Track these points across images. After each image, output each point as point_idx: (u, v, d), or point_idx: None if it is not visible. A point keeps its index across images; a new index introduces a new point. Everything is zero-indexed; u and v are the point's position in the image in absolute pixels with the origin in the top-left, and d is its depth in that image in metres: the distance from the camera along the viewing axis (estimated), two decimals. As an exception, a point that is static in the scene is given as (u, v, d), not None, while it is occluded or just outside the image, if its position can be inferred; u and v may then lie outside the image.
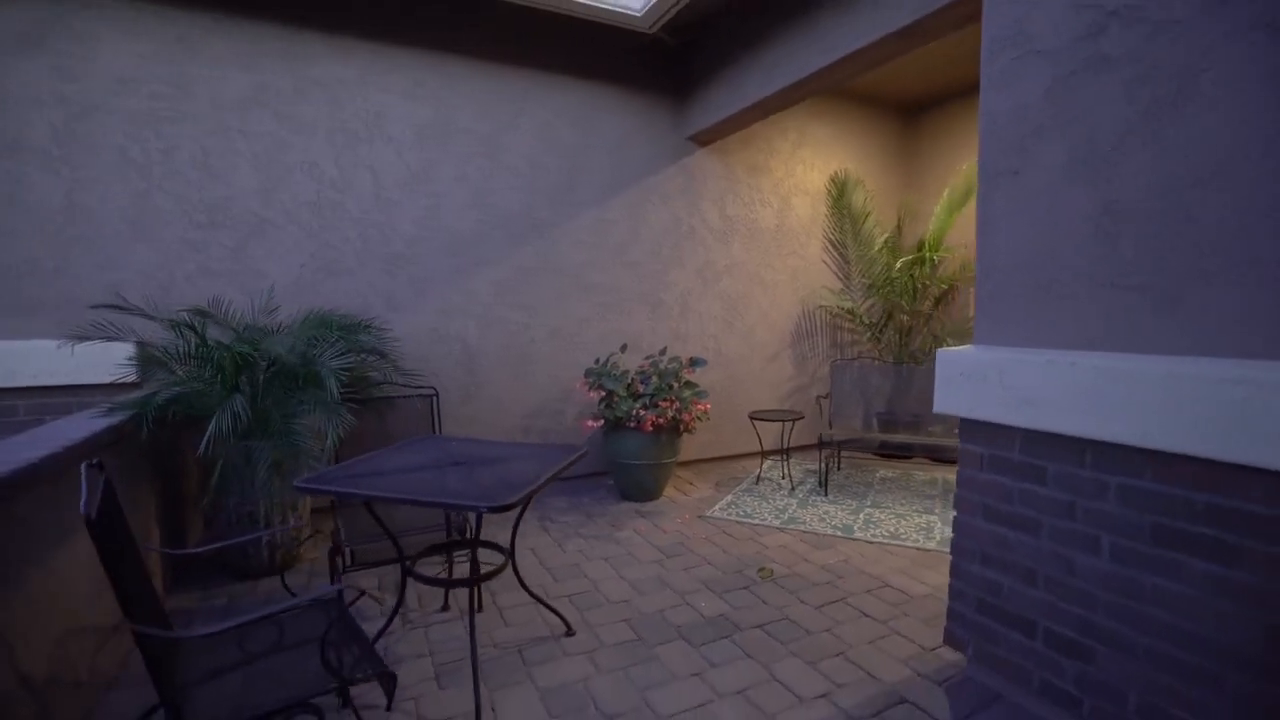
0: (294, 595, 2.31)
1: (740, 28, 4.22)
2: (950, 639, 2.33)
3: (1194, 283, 1.67)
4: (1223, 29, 1.61)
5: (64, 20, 3.32)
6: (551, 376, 4.76)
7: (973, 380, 2.18)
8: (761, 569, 3.30)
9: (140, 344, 3.27)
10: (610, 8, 4.09)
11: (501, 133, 4.45)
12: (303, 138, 3.91)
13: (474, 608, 2.28)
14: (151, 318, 3.09)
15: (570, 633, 2.67)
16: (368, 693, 2.17)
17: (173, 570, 3.12)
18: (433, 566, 3.14)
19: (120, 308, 3.05)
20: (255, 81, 3.75)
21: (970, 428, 2.24)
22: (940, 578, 3.16)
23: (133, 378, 3.19)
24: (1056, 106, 1.97)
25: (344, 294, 4.02)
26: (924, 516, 4.09)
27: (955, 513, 2.31)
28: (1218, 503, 1.61)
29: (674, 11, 4.10)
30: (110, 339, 3.00)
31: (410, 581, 2.56)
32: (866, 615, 2.81)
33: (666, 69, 4.95)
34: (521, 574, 2.82)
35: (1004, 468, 2.13)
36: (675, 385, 4.36)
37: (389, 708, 1.96)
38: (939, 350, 2.32)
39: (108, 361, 3.20)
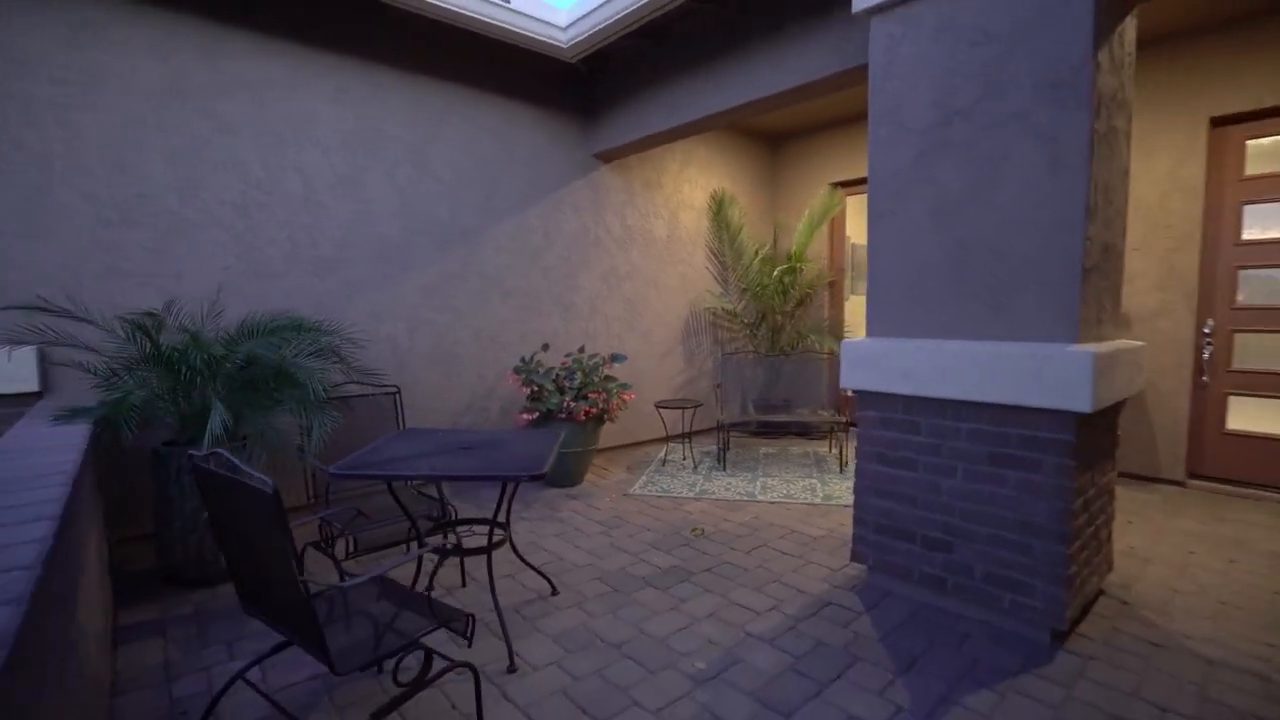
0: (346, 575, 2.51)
1: (650, 66, 4.84)
2: (856, 556, 3.14)
3: (1011, 295, 2.57)
4: (1018, 132, 2.51)
5: (-43, -2, 3.05)
6: (478, 375, 5.03)
7: (868, 362, 3.00)
8: (694, 529, 3.95)
9: (83, 348, 3.11)
10: (538, 36, 4.50)
11: (427, 142, 4.65)
12: (226, 135, 3.84)
13: (491, 570, 2.66)
14: (90, 321, 2.99)
15: (555, 592, 3.10)
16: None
17: (121, 586, 3.04)
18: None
19: (46, 309, 2.91)
20: (172, 73, 3.62)
21: (866, 397, 3.05)
22: (831, 523, 4.04)
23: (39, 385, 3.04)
24: (920, 170, 2.82)
25: (272, 297, 4.00)
26: (807, 480, 5.01)
27: (856, 460, 3.12)
28: (1025, 434, 2.51)
29: (598, 46, 4.62)
30: (49, 343, 2.86)
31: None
32: (785, 554, 3.56)
33: (576, 92, 5.44)
34: (492, 552, 3.20)
35: (891, 424, 2.96)
36: (598, 379, 4.88)
37: (470, 645, 2.23)
38: (844, 342, 3.12)
39: (22, 368, 3.02)
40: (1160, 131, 4.57)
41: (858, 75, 3.56)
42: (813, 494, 4.65)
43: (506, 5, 4.20)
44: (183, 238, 3.72)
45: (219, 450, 1.66)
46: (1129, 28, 2.75)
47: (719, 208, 6.81)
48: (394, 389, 3.66)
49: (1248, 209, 4.45)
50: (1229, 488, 4.49)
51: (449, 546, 2.79)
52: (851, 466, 5.31)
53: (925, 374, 2.77)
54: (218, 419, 2.55)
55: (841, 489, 4.72)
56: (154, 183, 3.62)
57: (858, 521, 3.12)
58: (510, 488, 2.83)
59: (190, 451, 1.75)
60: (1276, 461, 4.36)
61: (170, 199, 3.68)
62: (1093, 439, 2.58)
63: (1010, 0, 2.51)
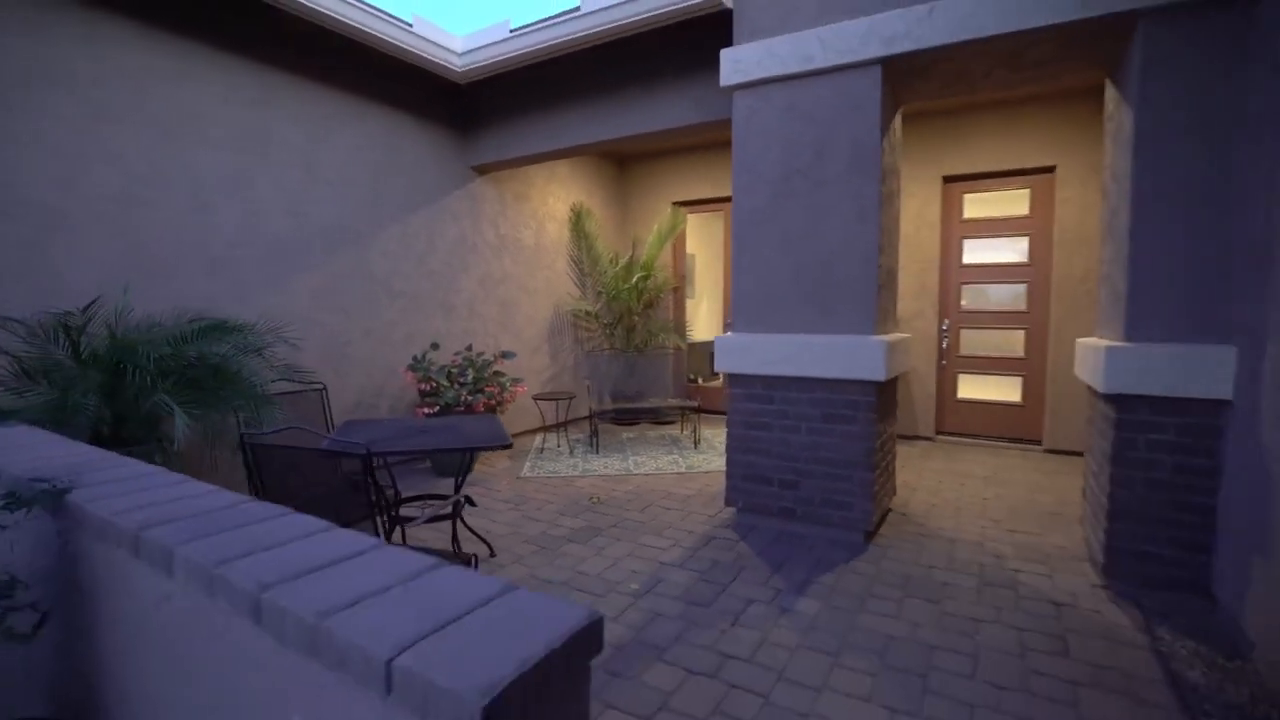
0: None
1: (537, 94, 5.41)
2: (729, 500, 4.08)
3: (835, 303, 3.66)
4: (838, 191, 3.61)
5: None
6: (366, 374, 5.20)
7: (734, 352, 3.94)
8: (592, 498, 4.64)
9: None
10: (435, 59, 4.86)
11: (317, 147, 4.76)
12: (108, 125, 3.71)
13: (455, 527, 3.13)
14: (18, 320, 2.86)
15: (494, 554, 3.61)
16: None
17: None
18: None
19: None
20: (44, 56, 3.45)
21: (734, 378, 4.00)
22: (699, 484, 4.98)
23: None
24: (772, 210, 3.83)
25: (161, 297, 3.90)
26: (669, 456, 5.94)
27: (727, 427, 4.05)
28: (845, 398, 3.61)
29: (491, 74, 5.09)
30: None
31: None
32: (670, 509, 4.41)
33: (456, 108, 5.81)
34: (456, 519, 3.63)
35: (752, 398, 3.93)
36: (488, 374, 5.34)
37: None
38: (717, 337, 4.04)
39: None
40: (913, 183, 6.24)
41: (716, 126, 4.53)
42: (677, 466, 5.58)
43: (410, 29, 4.52)
44: (62, 233, 3.54)
45: (297, 427, 2.03)
46: (898, 120, 4.01)
47: (578, 219, 7.55)
48: (320, 385, 3.85)
49: (966, 242, 6.27)
50: (961, 439, 6.29)
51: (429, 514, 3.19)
52: (704, 443, 6.35)
53: (777, 359, 3.77)
54: (181, 419, 2.70)
55: (699, 460, 5.72)
56: (28, 173, 3.42)
57: (729, 474, 4.07)
58: (468, 458, 3.30)
59: (247, 432, 2.05)
60: (988, 418, 6.22)
61: (47, 192, 3.49)
62: (884, 401, 3.78)
63: (831, 97, 3.60)
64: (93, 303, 3.14)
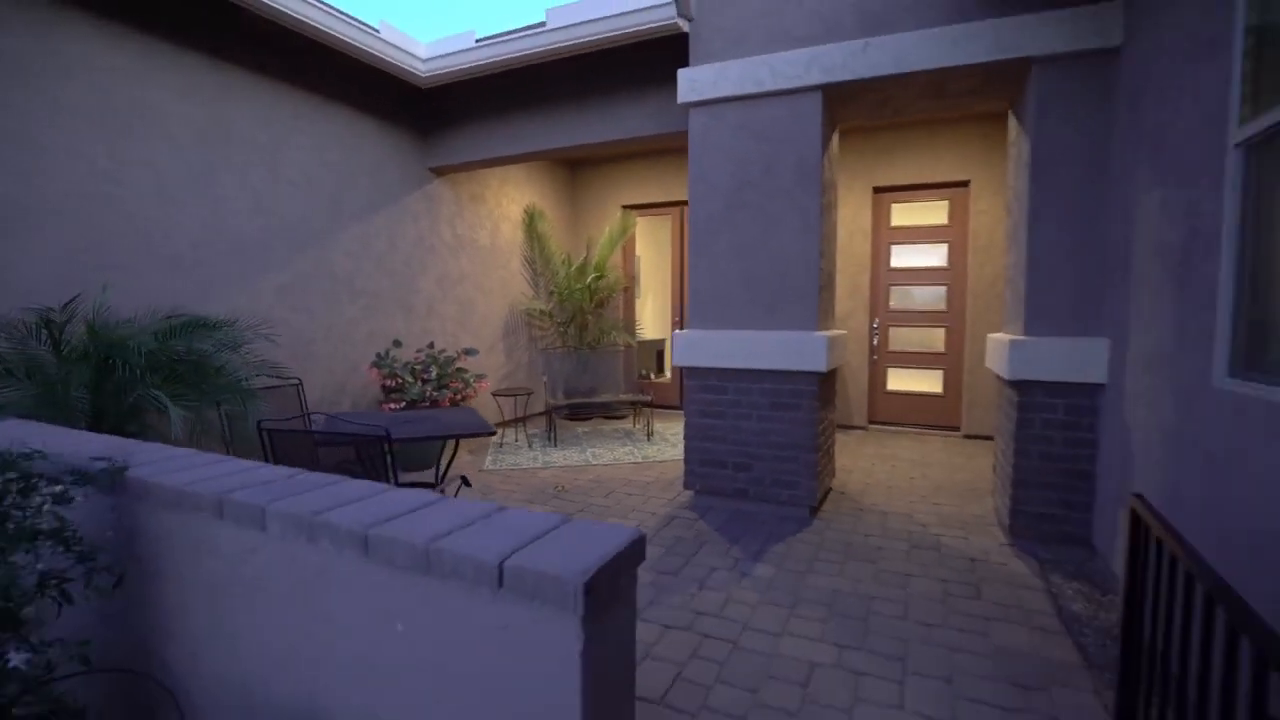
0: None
1: (499, 100, 5.60)
2: (687, 484, 4.43)
3: (782, 303, 4.07)
4: (784, 203, 4.01)
5: None
6: (329, 371, 5.27)
7: (692, 346, 4.29)
8: (557, 487, 4.90)
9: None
10: (400, 64, 4.99)
11: (279, 146, 4.81)
12: (68, 119, 3.70)
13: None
14: None
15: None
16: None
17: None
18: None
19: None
20: (1, 49, 3.43)
21: (691, 371, 4.35)
22: (655, 473, 5.31)
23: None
24: (725, 219, 4.20)
25: (122, 293, 3.88)
26: (625, 448, 6.25)
27: (685, 415, 4.40)
28: (792, 388, 4.02)
29: (455, 80, 5.25)
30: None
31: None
32: (632, 494, 4.72)
33: (416, 110, 5.92)
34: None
35: (708, 389, 4.30)
36: (451, 371, 5.51)
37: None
38: (676, 333, 4.38)
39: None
40: (847, 193, 6.78)
41: (671, 137, 4.88)
42: (634, 456, 5.90)
43: (376, 34, 4.65)
44: (20, 228, 3.51)
45: (338, 415, 2.22)
46: (836, 138, 4.47)
47: (531, 221, 7.75)
48: (296, 380, 3.94)
49: (893, 247, 6.87)
50: (890, 427, 6.89)
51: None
52: (656, 435, 6.70)
53: (730, 353, 4.15)
54: (175, 412, 2.80)
55: (653, 450, 6.06)
56: (-18, 168, 3.38)
57: (687, 459, 4.42)
58: (454, 447, 3.51)
59: (265, 420, 2.22)
60: (913, 408, 6.85)
61: (7, 185, 3.46)
62: (825, 390, 4.22)
63: (778, 119, 4.00)
64: (73, 300, 3.16)
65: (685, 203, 7.95)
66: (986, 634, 2.63)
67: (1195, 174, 2.34)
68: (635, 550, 1.17)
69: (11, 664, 1.32)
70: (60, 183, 3.66)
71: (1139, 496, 1.67)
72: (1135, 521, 1.64)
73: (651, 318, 9.36)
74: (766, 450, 4.13)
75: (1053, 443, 3.45)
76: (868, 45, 3.74)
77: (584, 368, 7.84)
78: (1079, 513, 3.41)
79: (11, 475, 1.45)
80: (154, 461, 1.78)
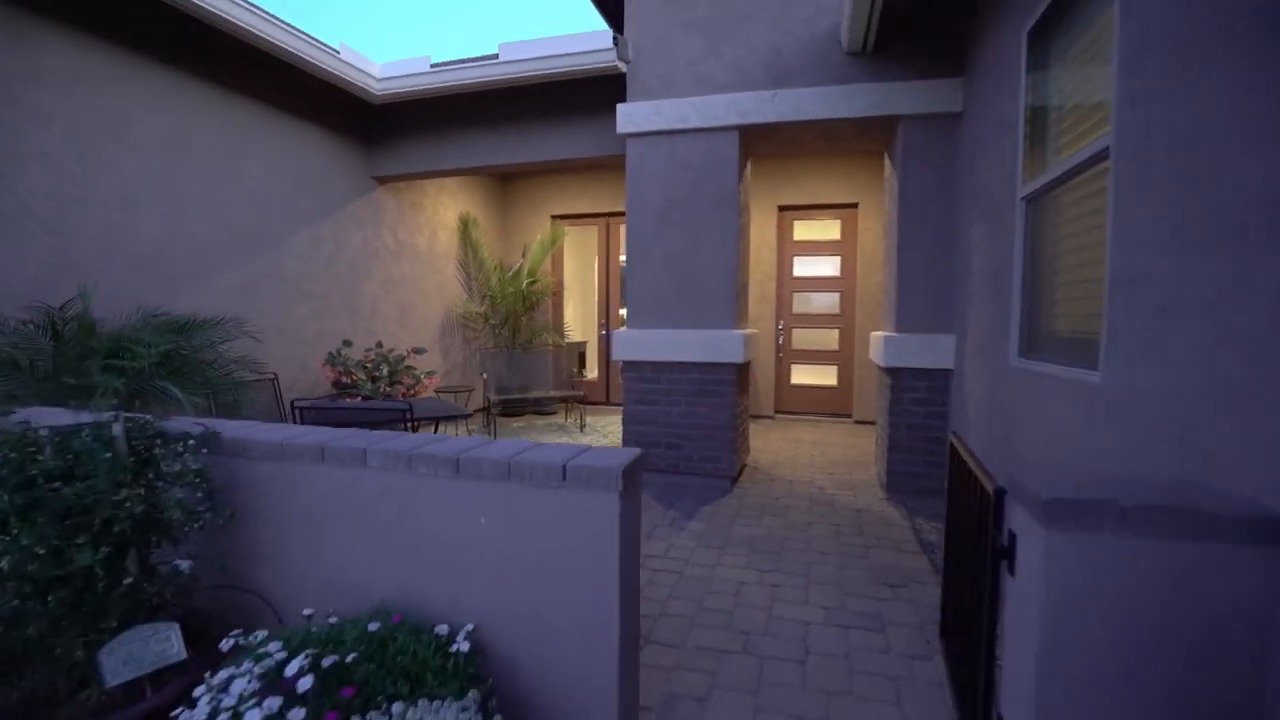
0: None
1: (445, 118, 6.03)
2: (626, 463, 5.08)
3: (707, 306, 4.82)
4: (707, 223, 4.78)
5: None
6: (282, 368, 5.49)
7: (630, 343, 4.97)
8: (506, 471, 5.42)
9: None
10: (356, 82, 5.34)
11: (236, 154, 5.04)
12: (41, 128, 3.86)
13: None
14: None
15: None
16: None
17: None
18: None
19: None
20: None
21: (630, 364, 5.01)
22: (595, 455, 5.93)
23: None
24: (658, 235, 4.91)
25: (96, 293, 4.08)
26: (563, 439, 6.83)
27: (624, 403, 5.06)
28: (715, 378, 4.78)
29: (406, 99, 5.65)
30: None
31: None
32: (575, 475, 5.32)
33: (362, 123, 6.24)
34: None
35: (643, 380, 4.98)
36: (402, 368, 5.88)
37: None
38: (615, 331, 5.04)
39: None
40: (757, 212, 7.71)
41: (608, 159, 5.54)
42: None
43: (337, 55, 5.00)
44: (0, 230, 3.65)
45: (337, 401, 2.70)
46: (749, 167, 5.31)
47: (465, 228, 8.17)
48: (273, 375, 4.24)
49: (796, 259, 7.87)
50: (794, 416, 7.87)
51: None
52: (588, 428, 7.31)
53: (663, 347, 4.86)
54: (187, 403, 3.14)
55: (588, 440, 6.68)
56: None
57: (625, 442, 5.08)
58: (435, 428, 3.97)
59: (299, 398, 2.65)
60: (813, 399, 7.86)
61: (-25, 189, 3.60)
62: (742, 379, 5.02)
63: (702, 151, 4.76)
64: (71, 300, 3.38)
65: (611, 214, 8.65)
66: (867, 557, 3.47)
67: (1001, 217, 3.28)
68: (642, 460, 1.83)
69: (182, 568, 1.79)
70: (33, 186, 3.81)
71: (954, 433, 2.50)
72: (952, 450, 2.47)
73: (576, 321, 9.95)
74: (694, 431, 4.87)
75: (916, 416, 4.41)
76: (775, 95, 4.58)
77: (517, 366, 8.33)
78: (936, 470, 4.38)
79: (155, 435, 1.89)
80: (230, 429, 2.23)
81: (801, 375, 7.98)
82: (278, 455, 2.04)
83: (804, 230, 7.91)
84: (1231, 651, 1.22)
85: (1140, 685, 1.30)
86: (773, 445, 6.40)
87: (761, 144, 5.20)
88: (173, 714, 1.40)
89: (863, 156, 7.35)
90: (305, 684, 1.38)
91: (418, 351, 6.12)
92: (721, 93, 4.72)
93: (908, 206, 4.46)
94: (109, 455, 1.66)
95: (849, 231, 7.67)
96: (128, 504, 1.64)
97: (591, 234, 9.14)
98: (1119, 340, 1.99)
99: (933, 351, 4.35)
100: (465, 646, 1.66)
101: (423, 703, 1.44)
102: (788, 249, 7.91)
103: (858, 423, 7.52)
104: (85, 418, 1.86)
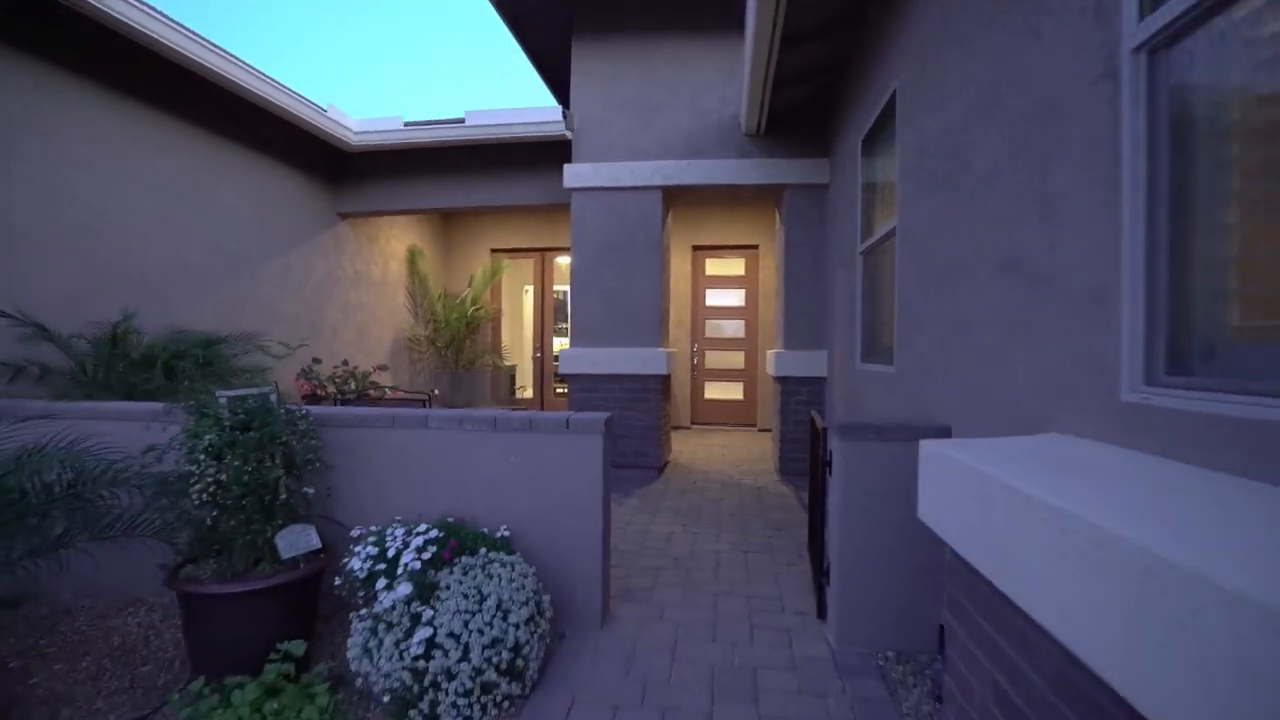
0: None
1: (409, 165, 6.91)
2: (571, 459, 6.08)
3: (638, 329, 5.95)
4: (638, 263, 5.94)
5: None
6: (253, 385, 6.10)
7: (575, 359, 6.00)
8: (465, 470, 6.26)
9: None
10: (336, 134, 6.16)
11: (226, 192, 5.71)
12: (79, 170, 4.47)
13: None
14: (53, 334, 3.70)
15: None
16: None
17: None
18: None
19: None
20: (22, 106, 4.18)
21: (574, 377, 6.04)
22: (540, 458, 6.88)
23: None
24: (597, 271, 6.01)
25: (109, 311, 4.63)
26: (508, 446, 7.69)
27: (569, 408, 6.06)
28: (644, 387, 5.90)
29: (379, 150, 6.50)
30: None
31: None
32: (526, 472, 6.25)
33: (335, 167, 6.99)
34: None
35: (584, 389, 6.01)
36: (369, 383, 6.61)
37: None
38: (561, 351, 6.06)
39: None
40: (677, 250, 8.99)
41: (555, 207, 6.62)
42: (518, 451, 7.39)
43: (324, 113, 5.82)
44: (37, 255, 4.23)
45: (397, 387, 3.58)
46: (670, 216, 6.55)
47: (413, 259, 8.96)
48: (275, 383, 4.92)
49: (708, 291, 9.21)
50: (707, 426, 9.11)
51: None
52: (530, 437, 8.21)
53: (601, 362, 5.93)
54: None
55: (532, 447, 7.58)
56: (9, 204, 4.10)
57: (572, 442, 6.07)
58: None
59: (339, 394, 3.48)
60: (724, 411, 9.14)
61: (26, 219, 4.17)
62: (665, 389, 6.16)
63: (632, 205, 5.94)
64: (125, 319, 4.02)
65: (546, 249, 9.69)
66: (762, 515, 4.64)
67: (850, 264, 4.63)
68: (612, 419, 2.89)
69: (309, 493, 2.66)
70: (65, 219, 4.41)
71: (814, 412, 3.71)
72: (812, 422, 3.68)
73: (507, 345, 10.84)
74: (628, 431, 5.94)
75: (801, 414, 5.70)
76: (691, 164, 5.85)
77: (460, 384, 9.14)
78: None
79: (270, 408, 2.75)
80: (312, 410, 3.09)
81: (713, 391, 9.26)
82: (359, 424, 2.94)
83: (714, 267, 9.27)
84: (907, 494, 2.42)
85: (881, 519, 2.50)
86: (690, 448, 7.57)
87: (680, 199, 6.46)
88: (343, 567, 2.28)
89: (762, 207, 8.82)
90: (422, 540, 2.31)
91: (381, 369, 6.84)
92: (649, 160, 5.94)
93: (792, 253, 5.82)
94: (281, 411, 2.54)
95: (751, 268, 9.10)
96: (284, 443, 2.51)
97: (524, 266, 10.12)
98: (898, 345, 3.27)
99: (811, 363, 5.68)
100: (506, 533, 2.63)
101: (491, 553, 2.41)
102: (701, 282, 9.23)
103: (761, 430, 8.86)
104: (173, 407, 2.70)
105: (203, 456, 2.35)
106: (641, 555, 3.80)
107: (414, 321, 9.07)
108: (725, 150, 5.88)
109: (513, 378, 10.33)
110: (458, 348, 9.12)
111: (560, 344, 11.01)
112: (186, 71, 5.02)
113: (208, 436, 2.37)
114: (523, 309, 11.08)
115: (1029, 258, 1.93)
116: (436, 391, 8.16)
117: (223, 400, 2.54)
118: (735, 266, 9.22)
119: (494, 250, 9.85)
